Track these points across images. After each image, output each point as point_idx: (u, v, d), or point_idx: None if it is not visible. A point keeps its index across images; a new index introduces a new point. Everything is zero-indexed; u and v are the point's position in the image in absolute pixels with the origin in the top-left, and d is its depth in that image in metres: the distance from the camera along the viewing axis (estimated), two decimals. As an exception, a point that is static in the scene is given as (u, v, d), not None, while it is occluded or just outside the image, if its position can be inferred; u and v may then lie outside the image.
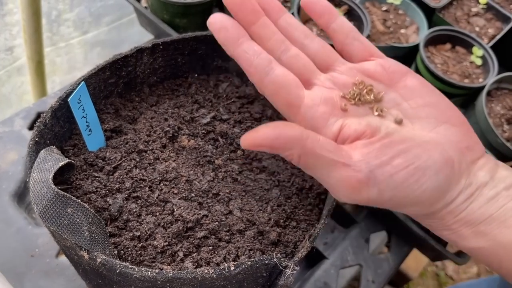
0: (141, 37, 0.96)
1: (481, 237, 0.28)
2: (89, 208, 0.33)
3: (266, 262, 0.32)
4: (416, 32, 0.90)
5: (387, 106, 0.31)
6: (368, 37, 0.84)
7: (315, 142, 0.26)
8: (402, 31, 0.89)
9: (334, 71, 0.32)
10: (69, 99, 0.37)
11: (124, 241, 0.36)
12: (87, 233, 0.32)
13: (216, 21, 0.29)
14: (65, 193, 0.31)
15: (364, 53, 0.33)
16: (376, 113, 0.30)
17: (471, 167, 0.29)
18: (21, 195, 0.59)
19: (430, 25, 0.89)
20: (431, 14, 0.91)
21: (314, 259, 0.63)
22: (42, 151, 0.35)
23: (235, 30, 0.29)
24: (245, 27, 0.30)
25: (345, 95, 0.31)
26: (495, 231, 0.27)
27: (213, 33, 0.29)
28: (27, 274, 0.52)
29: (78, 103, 0.38)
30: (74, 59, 1.03)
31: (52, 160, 0.34)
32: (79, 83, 0.38)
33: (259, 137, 0.26)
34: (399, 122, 0.30)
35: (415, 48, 0.85)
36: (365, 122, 0.29)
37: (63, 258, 0.54)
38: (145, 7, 0.82)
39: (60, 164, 0.33)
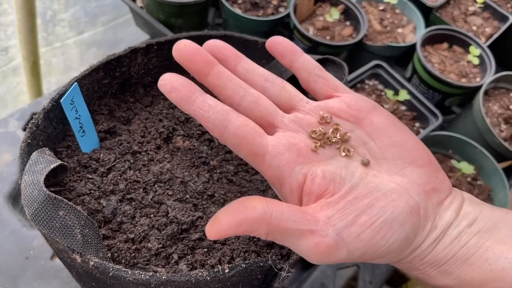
0: (138, 37, 0.96)
1: (446, 276, 0.28)
2: (82, 211, 0.33)
3: (261, 264, 0.32)
4: (413, 31, 0.89)
5: (353, 144, 0.30)
6: (365, 36, 0.84)
7: (280, 217, 0.26)
8: (399, 30, 0.89)
9: (298, 112, 0.31)
10: (61, 100, 0.36)
11: (118, 243, 0.36)
12: (79, 235, 0.32)
13: (166, 83, 0.28)
14: (57, 196, 0.31)
15: (328, 89, 0.32)
16: (343, 154, 0.30)
17: (437, 209, 0.29)
18: (15, 196, 0.58)
19: (427, 24, 0.89)
20: (428, 13, 0.91)
21: (311, 259, 0.63)
22: (34, 153, 0.35)
23: (186, 88, 0.28)
24: (201, 79, 0.30)
25: (311, 134, 0.30)
26: (459, 270, 0.28)
27: (165, 95, 0.29)
28: (22, 276, 0.52)
29: (71, 104, 0.38)
30: (70, 59, 1.02)
31: (44, 162, 0.34)
32: (71, 84, 0.38)
33: (222, 228, 0.25)
34: (366, 164, 0.29)
35: (412, 47, 0.84)
36: (330, 176, 0.28)
37: (58, 260, 0.54)
38: (141, 7, 0.81)
39: (52, 166, 0.33)
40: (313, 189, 0.28)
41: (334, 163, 0.29)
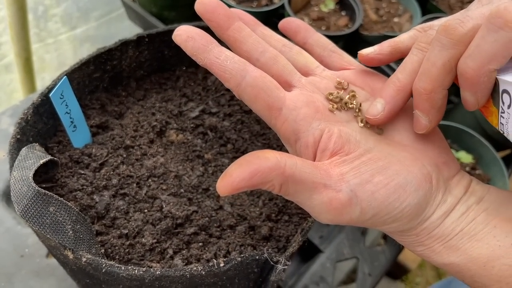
0: (131, 31, 0.95)
1: (453, 252, 0.28)
2: (73, 206, 0.32)
3: (257, 257, 0.32)
4: (410, 20, 0.88)
5: None
6: (361, 26, 0.83)
7: (294, 167, 0.25)
8: (395, 19, 0.88)
9: (315, 76, 0.31)
10: (50, 95, 0.36)
11: (112, 239, 0.35)
12: (71, 232, 0.31)
13: (182, 33, 0.28)
14: (47, 192, 0.30)
15: (343, 63, 0.33)
16: (361, 124, 0.30)
17: (447, 183, 0.29)
18: (9, 194, 0.58)
19: (424, 13, 0.88)
20: (424, 2, 0.90)
21: (309, 252, 0.62)
22: (24, 148, 0.34)
23: (203, 38, 0.28)
24: (220, 33, 0.30)
25: (328, 96, 0.30)
26: (466, 245, 0.27)
27: (180, 45, 0.28)
28: (17, 274, 0.52)
29: (61, 98, 0.37)
30: (63, 55, 1.01)
31: (33, 157, 0.33)
32: (61, 78, 0.37)
33: (235, 181, 0.24)
34: (379, 133, 0.30)
35: (409, 37, 0.83)
36: (346, 136, 0.28)
37: (53, 258, 0.53)
38: (133, 0, 0.80)
39: (42, 161, 0.32)
40: (329, 145, 0.28)
41: (350, 126, 0.29)
